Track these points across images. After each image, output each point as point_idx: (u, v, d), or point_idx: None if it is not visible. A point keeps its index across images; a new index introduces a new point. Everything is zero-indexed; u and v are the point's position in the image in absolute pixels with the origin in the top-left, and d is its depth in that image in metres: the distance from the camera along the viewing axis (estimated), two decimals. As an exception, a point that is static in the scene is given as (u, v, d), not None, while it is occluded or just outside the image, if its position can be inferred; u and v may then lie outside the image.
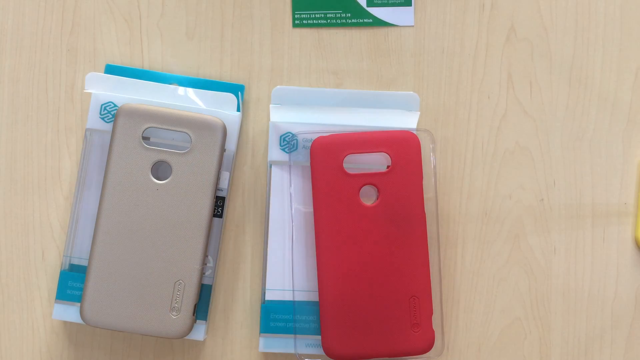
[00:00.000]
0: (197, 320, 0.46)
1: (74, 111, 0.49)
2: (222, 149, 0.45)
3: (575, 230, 0.48)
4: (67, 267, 0.46)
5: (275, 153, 0.47)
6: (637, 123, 0.49)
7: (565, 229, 0.48)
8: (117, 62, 0.49)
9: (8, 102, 0.49)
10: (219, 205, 0.47)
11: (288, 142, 0.47)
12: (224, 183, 0.46)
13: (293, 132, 0.47)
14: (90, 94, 0.47)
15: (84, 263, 0.46)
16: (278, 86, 0.47)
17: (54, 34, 0.49)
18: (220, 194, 0.47)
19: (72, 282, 0.46)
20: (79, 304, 0.46)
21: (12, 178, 0.48)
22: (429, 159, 0.47)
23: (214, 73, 0.49)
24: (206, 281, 0.47)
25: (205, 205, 0.45)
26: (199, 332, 0.46)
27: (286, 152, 0.47)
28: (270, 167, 0.47)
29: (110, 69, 0.48)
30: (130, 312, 0.44)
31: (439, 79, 0.49)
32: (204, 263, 0.45)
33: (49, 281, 0.48)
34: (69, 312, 0.46)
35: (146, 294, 0.44)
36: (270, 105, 0.47)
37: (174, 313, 0.45)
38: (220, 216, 0.47)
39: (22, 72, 0.49)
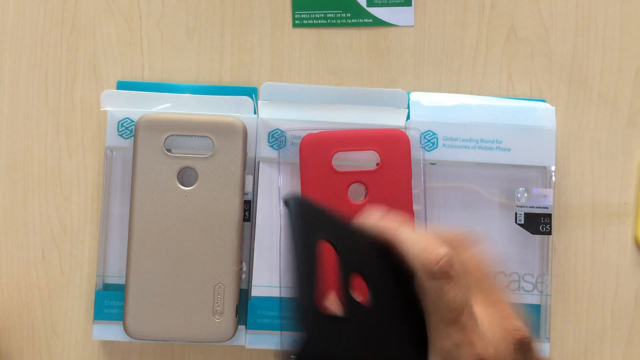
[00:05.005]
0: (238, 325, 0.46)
1: (73, 111, 0.49)
2: (245, 148, 0.45)
3: (575, 230, 0.48)
4: (101, 286, 0.46)
5: (264, 150, 0.47)
6: (637, 123, 0.49)
7: (565, 229, 0.48)
8: (117, 61, 0.49)
9: (8, 102, 0.49)
10: (245, 210, 0.46)
11: (277, 138, 0.47)
12: (248, 187, 0.46)
13: (282, 129, 0.47)
14: (106, 112, 0.46)
15: (118, 281, 0.46)
16: (266, 82, 0.47)
17: (54, 34, 0.49)
18: (246, 197, 0.46)
19: (109, 301, 0.46)
20: (118, 322, 0.45)
21: (12, 178, 0.48)
22: (419, 157, 0.47)
23: (214, 73, 0.49)
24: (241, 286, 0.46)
25: (235, 203, 0.45)
26: (240, 337, 0.46)
27: (274, 149, 0.47)
28: (258, 163, 0.47)
29: (122, 85, 0.48)
30: (173, 321, 0.44)
31: (439, 79, 0.49)
32: (240, 263, 0.45)
33: (48, 281, 0.48)
34: (109, 331, 0.46)
35: (187, 301, 0.44)
36: (259, 102, 0.47)
37: (217, 317, 0.44)
38: (249, 220, 0.46)
39: (22, 72, 0.49)
